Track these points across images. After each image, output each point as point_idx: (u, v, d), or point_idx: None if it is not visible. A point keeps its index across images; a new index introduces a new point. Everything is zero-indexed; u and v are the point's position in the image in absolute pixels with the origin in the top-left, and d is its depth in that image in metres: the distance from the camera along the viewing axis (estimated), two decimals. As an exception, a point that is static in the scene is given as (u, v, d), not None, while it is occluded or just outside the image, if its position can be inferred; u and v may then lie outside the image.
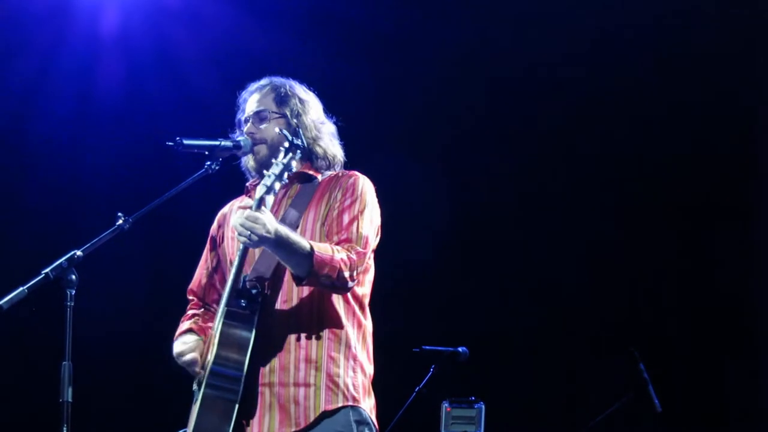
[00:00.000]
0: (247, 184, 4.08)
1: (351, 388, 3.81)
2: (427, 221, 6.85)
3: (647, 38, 6.78)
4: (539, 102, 6.93)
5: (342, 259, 3.70)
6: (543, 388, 6.81)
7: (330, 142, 4.03)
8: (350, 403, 3.79)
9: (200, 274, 4.13)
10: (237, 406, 3.66)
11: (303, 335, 3.78)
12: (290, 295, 3.79)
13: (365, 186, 3.92)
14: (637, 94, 6.84)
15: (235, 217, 3.62)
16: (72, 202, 6.75)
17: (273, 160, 3.65)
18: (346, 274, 3.71)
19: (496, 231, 6.99)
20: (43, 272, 3.64)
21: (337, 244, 3.76)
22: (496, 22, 6.88)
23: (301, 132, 3.88)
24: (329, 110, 4.17)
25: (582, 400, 6.72)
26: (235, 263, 3.74)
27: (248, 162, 4.02)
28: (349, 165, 4.11)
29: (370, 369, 3.94)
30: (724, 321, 6.77)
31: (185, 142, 3.91)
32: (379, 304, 3.99)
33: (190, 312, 4.11)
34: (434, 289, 6.99)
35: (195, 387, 3.88)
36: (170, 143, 3.90)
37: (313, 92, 4.13)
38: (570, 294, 6.84)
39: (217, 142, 3.95)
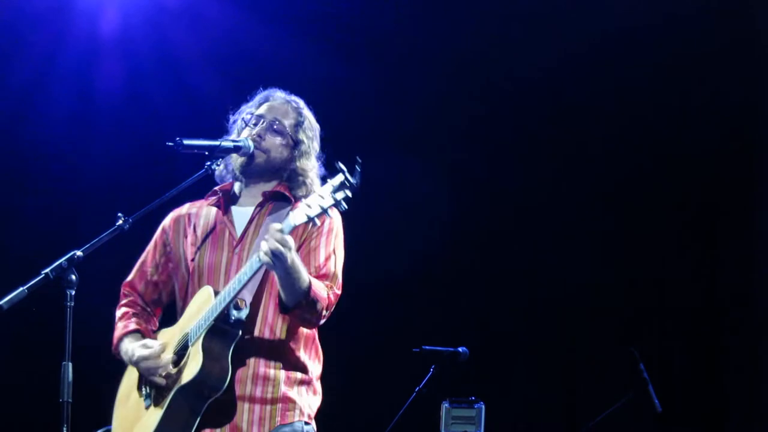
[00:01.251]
0: (217, 188, 4.05)
1: (306, 407, 3.89)
2: (427, 221, 6.85)
3: (647, 38, 6.78)
4: (539, 101, 6.93)
5: (326, 297, 3.78)
6: (543, 388, 6.81)
7: (317, 182, 4.02)
8: (305, 419, 3.87)
9: (143, 271, 4.11)
10: (200, 416, 3.70)
11: (266, 353, 3.82)
12: (267, 317, 3.83)
13: (337, 223, 3.96)
14: (637, 93, 6.84)
15: (267, 240, 3.57)
16: (72, 202, 6.75)
17: (320, 192, 3.54)
18: (324, 313, 3.80)
19: (496, 231, 6.99)
20: (43, 272, 3.65)
21: (318, 278, 3.82)
22: (496, 22, 6.89)
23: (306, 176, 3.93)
24: (329, 110, 4.18)
25: (582, 400, 6.72)
26: (240, 281, 3.69)
27: (236, 160, 3.99)
28: (347, 164, 4.10)
29: (319, 391, 4.00)
30: (725, 321, 6.77)
31: (185, 142, 3.91)
32: (379, 303, 4.00)
33: (127, 309, 4.07)
34: (434, 289, 6.99)
35: (143, 390, 3.87)
36: (170, 143, 3.90)
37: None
38: (570, 294, 6.84)
39: (217, 143, 3.95)
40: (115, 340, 4.01)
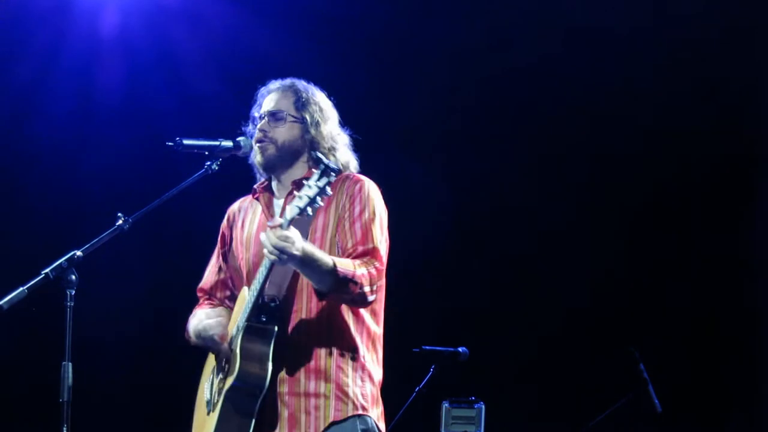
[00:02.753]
0: (255, 186, 4.07)
1: (360, 397, 3.83)
2: (427, 221, 6.85)
3: (647, 36, 6.78)
4: (539, 101, 6.92)
5: (363, 274, 3.72)
6: (543, 388, 6.81)
7: (345, 151, 4.02)
8: (359, 412, 3.82)
9: (211, 273, 4.15)
10: (254, 421, 3.69)
11: (313, 347, 3.79)
12: (303, 307, 3.81)
13: (372, 191, 3.92)
14: (636, 92, 6.83)
15: (265, 235, 3.59)
16: (72, 202, 6.75)
17: (305, 182, 3.59)
18: (367, 289, 3.74)
19: (496, 230, 6.99)
20: (43, 272, 3.65)
21: (355, 257, 3.78)
22: (497, 20, 6.88)
23: (319, 143, 3.92)
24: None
25: (582, 400, 6.71)
26: (259, 280, 3.71)
27: (255, 156, 4.00)
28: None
29: (378, 376, 3.96)
30: (725, 321, 6.77)
31: (185, 142, 3.92)
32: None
33: (198, 306, 4.11)
34: (434, 289, 6.99)
35: (207, 393, 3.89)
36: (170, 143, 3.90)
37: (330, 98, 4.12)
38: (570, 294, 6.84)
39: (216, 142, 3.96)
40: (187, 325, 4.01)
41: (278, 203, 3.98)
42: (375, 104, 6.87)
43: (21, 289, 3.60)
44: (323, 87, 4.17)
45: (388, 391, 6.34)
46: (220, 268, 4.12)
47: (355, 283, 3.69)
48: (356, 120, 4.22)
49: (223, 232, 4.12)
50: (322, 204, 3.59)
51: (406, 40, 7.00)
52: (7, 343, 6.43)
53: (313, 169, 3.62)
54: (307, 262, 3.61)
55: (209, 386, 3.90)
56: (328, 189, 3.56)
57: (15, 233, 6.72)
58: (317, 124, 3.97)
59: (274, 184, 4.03)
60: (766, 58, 6.74)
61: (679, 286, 6.85)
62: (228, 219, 4.12)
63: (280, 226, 3.56)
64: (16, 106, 6.80)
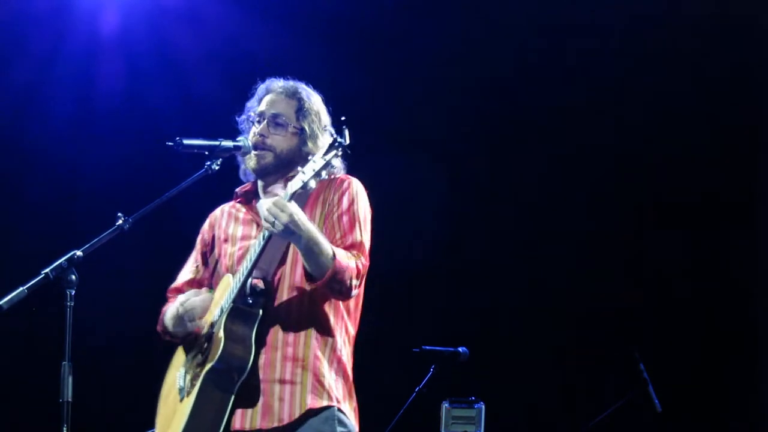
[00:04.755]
0: (237, 190, 4.09)
1: (335, 389, 3.84)
2: (427, 221, 6.85)
3: (647, 35, 6.78)
4: (539, 101, 6.92)
5: (352, 267, 3.74)
6: (543, 388, 6.81)
7: (335, 162, 3.98)
8: (334, 404, 3.82)
9: (185, 272, 4.14)
10: (233, 398, 3.71)
11: (292, 334, 3.80)
12: (287, 295, 3.82)
13: (359, 190, 3.95)
14: (639, 90, 6.84)
15: (262, 201, 3.62)
16: (72, 202, 6.75)
17: (310, 157, 3.62)
18: (354, 282, 3.76)
19: (496, 230, 6.99)
20: (43, 272, 3.64)
21: (343, 248, 3.79)
22: (496, 19, 6.88)
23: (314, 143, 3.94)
24: (328, 109, 4.17)
25: (582, 400, 6.71)
26: (250, 259, 3.74)
27: (249, 161, 4.01)
28: (348, 164, 4.11)
29: (350, 373, 3.95)
30: (725, 321, 6.77)
31: (185, 142, 3.92)
32: (379, 304, 4.00)
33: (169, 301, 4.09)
34: (434, 289, 6.99)
35: (180, 381, 3.88)
36: (170, 143, 3.90)
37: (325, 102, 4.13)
38: (570, 294, 6.84)
39: (217, 143, 3.96)
40: (160, 316, 4.01)
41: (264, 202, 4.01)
42: (375, 104, 6.87)
43: (21, 289, 3.59)
44: (322, 87, 4.17)
45: (389, 391, 6.37)
46: (197, 268, 4.12)
47: (348, 274, 3.72)
48: (356, 119, 4.21)
49: (204, 235, 4.14)
50: (325, 177, 3.62)
51: (405, 41, 7.00)
52: (7, 343, 6.43)
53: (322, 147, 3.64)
54: (309, 244, 3.63)
55: (182, 375, 3.89)
56: (335, 162, 3.60)
57: (15, 233, 6.72)
58: (315, 137, 3.99)
59: (260, 186, 4.05)
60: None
61: (679, 286, 6.85)
62: (210, 223, 4.14)
63: (283, 198, 3.59)
64: (16, 106, 6.80)
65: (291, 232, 3.60)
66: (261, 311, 3.74)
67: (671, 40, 6.76)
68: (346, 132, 3.61)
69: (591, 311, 6.82)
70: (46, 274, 3.64)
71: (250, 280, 3.76)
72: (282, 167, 3.98)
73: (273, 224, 3.57)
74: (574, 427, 6.46)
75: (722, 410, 6.74)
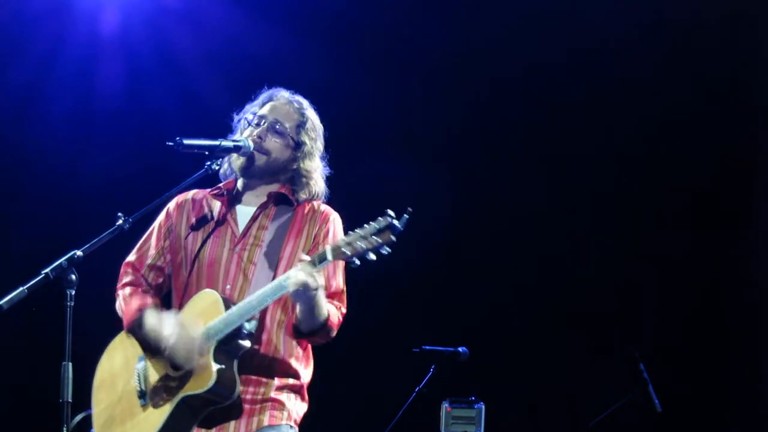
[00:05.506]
0: (221, 185, 4.06)
1: (294, 412, 3.91)
2: (427, 221, 6.84)
3: (647, 36, 6.78)
4: (539, 101, 6.93)
5: (336, 322, 3.85)
6: (543, 388, 6.81)
7: (320, 182, 4.06)
8: (291, 423, 3.89)
9: (146, 254, 4.05)
10: (197, 423, 3.75)
11: (261, 358, 3.83)
12: (267, 328, 3.85)
13: (340, 229, 3.97)
14: (637, 92, 6.84)
15: (300, 271, 3.59)
16: (72, 202, 6.75)
17: (358, 230, 3.53)
18: (333, 333, 3.87)
19: (496, 231, 6.99)
20: (43, 272, 3.65)
21: (328, 295, 3.84)
22: (497, 21, 6.88)
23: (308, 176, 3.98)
24: (328, 111, 4.18)
25: (582, 400, 6.72)
26: (265, 301, 3.68)
27: (237, 162, 4.00)
28: (348, 165, 4.11)
29: (307, 399, 4.02)
30: (725, 321, 6.77)
31: (185, 142, 3.91)
32: (379, 304, 4.00)
33: (135, 286, 4.02)
34: (434, 289, 6.99)
35: (139, 383, 3.84)
36: (170, 143, 3.90)
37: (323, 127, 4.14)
38: (570, 294, 6.84)
39: (217, 143, 3.96)
40: (132, 314, 3.93)
41: (241, 210, 4.00)
42: (375, 104, 6.87)
43: (21, 289, 3.59)
44: (322, 86, 4.18)
45: (389, 391, 6.37)
46: (161, 253, 4.04)
47: (332, 330, 3.83)
48: (356, 120, 4.22)
49: (171, 219, 4.05)
50: (374, 258, 3.54)
51: (407, 43, 7.00)
52: (7, 343, 6.43)
53: (374, 223, 3.52)
54: (314, 307, 3.70)
55: (141, 375, 3.85)
56: (386, 249, 3.49)
57: (15, 233, 6.72)
58: (310, 156, 4.02)
59: (244, 189, 4.03)
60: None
61: (679, 286, 6.85)
62: (179, 206, 4.06)
63: (312, 263, 3.60)
64: (16, 106, 6.80)
65: (310, 300, 3.66)
66: (249, 344, 3.76)
67: (671, 41, 6.76)
68: (405, 220, 3.50)
69: (591, 311, 6.82)
70: (46, 274, 3.64)
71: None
72: (270, 173, 3.99)
73: (305, 293, 3.60)
74: (574, 427, 6.46)
75: (722, 410, 6.74)
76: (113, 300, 4.08)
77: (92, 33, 6.86)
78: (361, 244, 3.52)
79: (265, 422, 3.81)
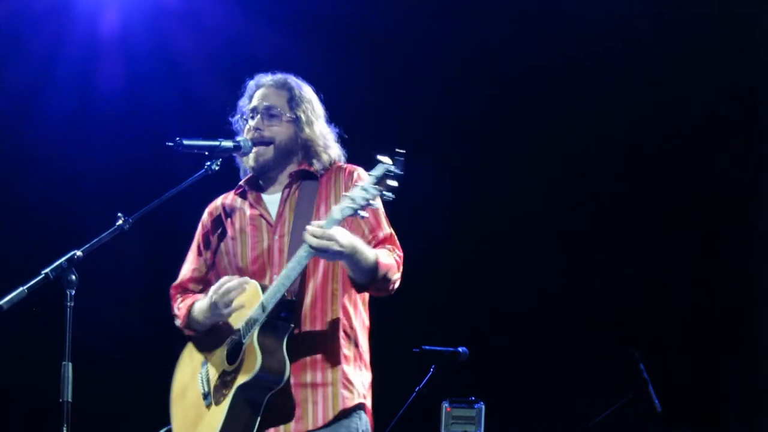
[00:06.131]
0: (242, 182, 4.08)
1: (361, 386, 3.89)
2: (427, 221, 6.85)
3: (648, 35, 6.78)
4: (539, 101, 6.93)
5: (393, 263, 3.80)
6: (543, 388, 6.81)
7: (336, 148, 4.06)
8: (362, 400, 3.87)
9: (191, 269, 4.11)
10: (263, 407, 3.71)
11: (321, 338, 3.83)
12: (312, 301, 3.84)
13: (364, 177, 3.89)
14: (638, 91, 6.84)
15: (306, 235, 3.59)
16: (72, 202, 6.75)
17: (360, 183, 3.57)
18: (396, 276, 3.83)
19: (496, 231, 6.99)
20: (43, 272, 3.65)
21: (377, 244, 3.84)
22: (496, 20, 6.88)
23: (313, 141, 3.96)
24: (328, 111, 4.18)
25: (582, 400, 6.72)
26: (289, 276, 3.68)
27: (248, 162, 4.02)
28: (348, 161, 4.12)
29: (368, 364, 4.01)
30: (725, 321, 6.77)
31: (185, 142, 3.92)
32: (379, 304, 4.00)
33: (185, 297, 4.06)
34: (434, 289, 6.99)
35: (203, 386, 3.87)
36: (170, 143, 3.91)
37: (316, 91, 4.13)
38: (570, 294, 6.84)
39: (216, 143, 3.96)
40: (184, 311, 3.98)
41: (268, 198, 4.00)
42: (375, 104, 6.87)
43: (21, 289, 3.60)
44: (321, 86, 4.18)
45: (389, 391, 6.37)
46: (201, 264, 4.09)
47: (393, 272, 3.78)
48: (356, 118, 4.22)
49: (205, 229, 4.10)
50: (378, 206, 3.63)
51: (405, 41, 7.00)
52: (7, 343, 6.43)
53: (370, 173, 3.57)
54: (355, 258, 3.66)
55: (203, 378, 3.88)
56: (388, 193, 3.54)
57: (15, 233, 6.72)
58: (311, 123, 4.01)
59: (265, 180, 4.04)
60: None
61: (679, 285, 6.85)
62: (211, 215, 4.11)
63: (321, 226, 3.58)
64: (16, 106, 6.80)
65: (339, 256, 3.63)
66: (291, 324, 3.75)
67: (672, 42, 6.76)
68: (401, 162, 3.57)
69: (591, 311, 6.82)
70: (46, 274, 3.64)
71: (283, 293, 3.74)
72: (281, 159, 3.99)
73: (324, 254, 3.60)
74: (574, 427, 6.46)
75: (722, 410, 6.74)
76: (113, 300, 4.09)
77: (92, 33, 6.86)
78: (364, 196, 3.53)
79: (340, 405, 3.79)
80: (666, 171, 6.86)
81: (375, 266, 3.71)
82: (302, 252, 3.64)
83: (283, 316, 3.74)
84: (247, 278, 3.84)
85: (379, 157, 3.60)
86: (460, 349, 6.24)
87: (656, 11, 6.71)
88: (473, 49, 6.93)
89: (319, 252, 3.59)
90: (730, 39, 6.67)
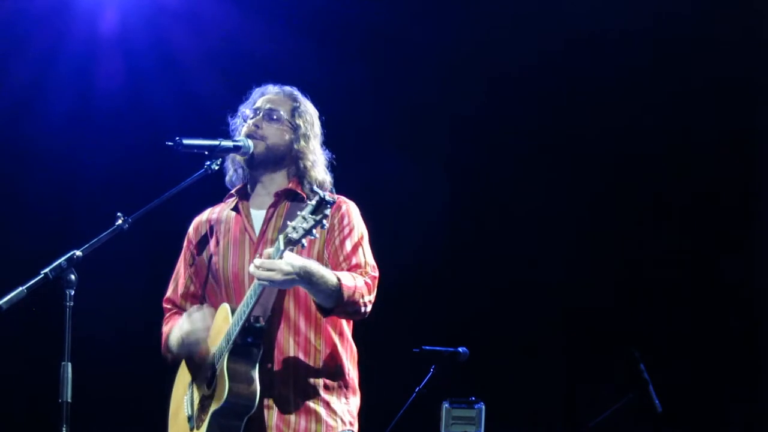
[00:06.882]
0: (232, 191, 4.07)
1: (347, 414, 3.89)
2: (427, 221, 6.85)
3: (646, 33, 6.77)
4: (538, 100, 6.93)
5: (361, 285, 3.76)
6: (543, 388, 6.81)
7: (323, 171, 4.05)
8: (348, 428, 3.87)
9: (180, 284, 4.12)
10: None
11: (302, 366, 3.82)
12: (288, 326, 3.83)
13: (355, 213, 3.96)
14: (636, 89, 6.83)
15: (253, 266, 3.59)
16: (72, 202, 6.75)
17: (299, 213, 3.55)
18: (367, 299, 3.79)
19: (495, 230, 6.99)
20: (42, 272, 3.65)
21: (348, 269, 3.82)
22: (494, 19, 6.89)
23: (304, 156, 3.97)
24: (328, 111, 4.18)
25: (582, 400, 6.72)
26: (248, 304, 3.69)
27: (239, 157, 4.01)
28: (348, 164, 4.12)
29: (357, 390, 3.99)
30: (725, 321, 6.76)
31: (185, 142, 3.92)
32: (379, 304, 3.99)
33: (174, 316, 4.08)
34: (434, 289, 6.99)
35: (188, 409, 3.88)
36: (170, 143, 3.90)
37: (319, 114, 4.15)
38: (570, 293, 6.84)
39: (216, 142, 3.96)
40: (164, 338, 4.00)
41: (256, 214, 4.00)
42: (374, 104, 6.87)
43: (21, 289, 3.60)
44: (321, 86, 4.18)
45: (388, 391, 6.37)
46: (191, 279, 4.10)
47: (360, 294, 3.74)
48: (356, 119, 4.22)
49: (191, 244, 4.11)
50: (317, 236, 3.61)
51: (404, 41, 7.00)
52: (7, 343, 6.43)
53: (309, 201, 3.58)
54: (311, 282, 3.63)
55: (188, 401, 3.91)
56: (325, 222, 3.54)
57: (15, 233, 6.72)
58: (307, 138, 4.02)
59: (254, 189, 4.04)
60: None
61: (679, 285, 6.85)
62: (196, 229, 4.11)
63: (270, 257, 3.57)
64: (17, 106, 6.80)
65: (289, 283, 3.61)
66: (261, 349, 3.73)
67: (672, 42, 6.75)
68: (326, 195, 3.57)
69: (591, 311, 6.82)
70: (46, 274, 3.64)
71: (250, 317, 3.72)
72: (271, 161, 3.98)
73: (271, 284, 3.59)
74: (574, 427, 6.46)
75: (722, 411, 6.73)
76: (113, 300, 4.09)
77: (92, 32, 6.86)
78: (304, 225, 3.52)
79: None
80: (668, 172, 6.86)
81: (338, 288, 3.67)
82: (255, 281, 3.65)
83: (249, 341, 3.71)
84: (212, 310, 3.85)
85: (315, 189, 3.71)
86: (460, 349, 6.24)
87: (656, 11, 6.70)
88: (473, 48, 6.92)
89: (266, 283, 3.58)
90: (729, 36, 6.67)
